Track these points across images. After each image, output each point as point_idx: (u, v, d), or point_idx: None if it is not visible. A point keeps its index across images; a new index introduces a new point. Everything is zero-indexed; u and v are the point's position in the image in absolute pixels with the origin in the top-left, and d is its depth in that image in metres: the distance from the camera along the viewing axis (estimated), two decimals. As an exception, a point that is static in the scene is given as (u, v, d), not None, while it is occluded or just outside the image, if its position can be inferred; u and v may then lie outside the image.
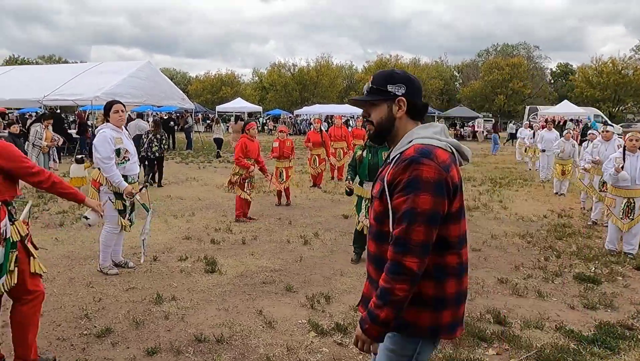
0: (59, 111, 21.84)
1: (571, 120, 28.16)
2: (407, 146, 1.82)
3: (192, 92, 54.92)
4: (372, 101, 1.93)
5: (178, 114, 30.65)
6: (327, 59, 55.74)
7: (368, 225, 5.24)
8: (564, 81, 59.16)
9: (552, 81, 60.98)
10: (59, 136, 11.54)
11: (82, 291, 4.49)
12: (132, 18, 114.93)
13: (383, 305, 1.71)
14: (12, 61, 56.66)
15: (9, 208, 2.92)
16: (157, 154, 10.97)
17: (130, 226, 5.05)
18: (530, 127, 19.32)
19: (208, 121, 40.60)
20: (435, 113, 38.90)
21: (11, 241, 2.87)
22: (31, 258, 3.01)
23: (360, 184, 5.62)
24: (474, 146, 27.02)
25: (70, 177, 9.84)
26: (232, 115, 40.95)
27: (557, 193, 10.69)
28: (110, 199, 4.80)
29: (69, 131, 18.46)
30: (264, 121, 37.93)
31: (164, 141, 11.36)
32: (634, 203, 6.01)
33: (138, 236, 5.47)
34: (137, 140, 12.24)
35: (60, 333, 3.66)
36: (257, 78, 63.44)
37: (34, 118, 16.31)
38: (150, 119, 28.87)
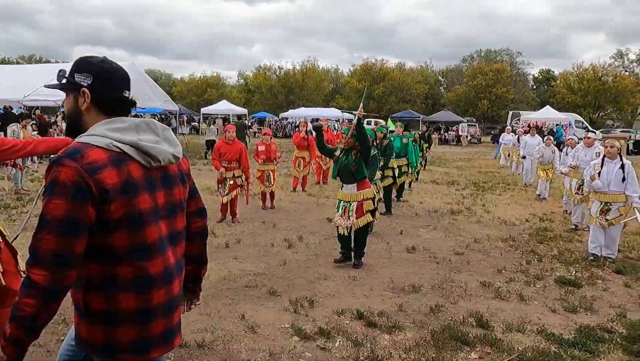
0: (39, 111, 21.44)
1: (557, 125, 28.57)
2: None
3: (176, 94, 54.48)
4: (63, 90, 1.75)
5: (163, 116, 30.40)
6: (313, 62, 55.86)
7: (345, 225, 5.25)
8: (545, 86, 60.14)
9: (535, 87, 61.94)
10: (37, 135, 11.40)
11: (60, 296, 4.39)
12: (116, 19, 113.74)
13: (11, 320, 1.55)
14: (-8, 61, 55.58)
15: None
16: None
17: None
18: (513, 132, 19.59)
19: (193, 123, 40.38)
20: (419, 117, 39.22)
21: None
22: (17, 256, 2.90)
23: (342, 187, 5.65)
24: (458, 150, 27.28)
25: None
26: (217, 117, 40.74)
27: (539, 196, 10.81)
28: None
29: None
30: (249, 124, 37.81)
31: None
32: (611, 206, 6.12)
33: None
34: None
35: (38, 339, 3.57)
36: (242, 80, 63.26)
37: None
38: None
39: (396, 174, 8.93)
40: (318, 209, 8.89)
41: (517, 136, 17.14)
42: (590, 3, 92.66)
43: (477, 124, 40.46)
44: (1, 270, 2.81)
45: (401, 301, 4.50)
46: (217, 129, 19.25)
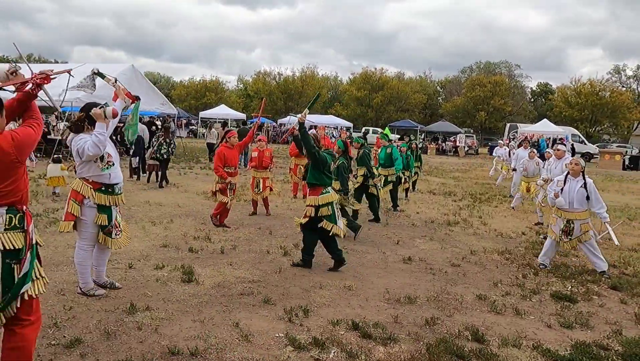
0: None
1: (540, 137, 28.74)
2: None
3: (175, 98, 54.48)
4: None
5: (161, 119, 30.34)
6: (313, 69, 56.05)
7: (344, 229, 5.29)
8: (543, 100, 60.55)
9: (532, 100, 62.33)
10: None
11: (52, 299, 4.34)
12: (117, 20, 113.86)
13: None
14: (-9, 59, 55.42)
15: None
16: (164, 156, 11.80)
17: (111, 242, 4.48)
18: (508, 145, 19.64)
19: (191, 127, 40.33)
20: (417, 127, 39.29)
21: (36, 247, 2.79)
22: (40, 280, 2.85)
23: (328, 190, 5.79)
24: (455, 161, 27.33)
25: (48, 177, 9.71)
26: (215, 121, 40.74)
27: (513, 208, 10.72)
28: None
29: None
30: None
31: (172, 146, 12.21)
32: (573, 225, 6.16)
33: None
34: (138, 143, 12.51)
35: (27, 342, 3.51)
36: (241, 85, 63.36)
37: None
38: (158, 124, 28.55)
39: (380, 184, 9.03)
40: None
41: (509, 150, 17.19)
42: (587, 17, 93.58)
43: (474, 135, 40.58)
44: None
45: (397, 313, 4.47)
46: (218, 133, 19.35)
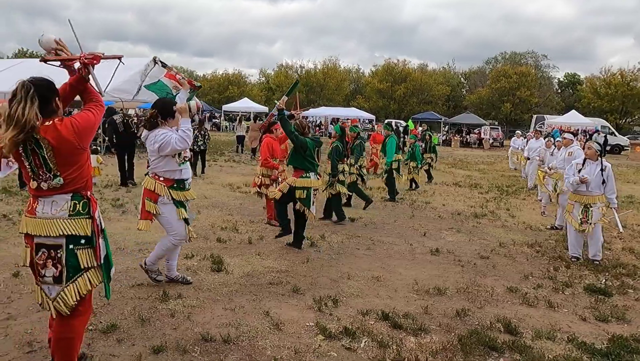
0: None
1: (554, 128, 28.03)
2: None
3: (198, 91, 54.91)
4: None
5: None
6: (335, 62, 55.80)
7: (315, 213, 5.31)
8: (571, 90, 59.00)
9: (559, 91, 60.79)
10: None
11: (87, 286, 4.44)
12: (140, 15, 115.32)
13: None
14: (20, 54, 56.88)
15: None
16: (201, 148, 12.64)
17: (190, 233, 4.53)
18: (552, 136, 19.22)
19: (214, 120, 40.70)
20: (441, 119, 38.80)
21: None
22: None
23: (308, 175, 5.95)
24: (480, 153, 26.91)
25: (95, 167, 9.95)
26: (238, 114, 41.02)
27: (540, 201, 10.46)
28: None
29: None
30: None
31: (207, 137, 13.14)
32: (591, 208, 6.09)
33: None
34: None
35: (66, 327, 3.61)
36: (263, 79, 63.53)
37: None
38: (197, 118, 28.92)
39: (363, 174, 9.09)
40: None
41: (526, 140, 16.87)
42: (616, 6, 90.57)
43: (499, 127, 39.86)
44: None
45: (426, 304, 4.44)
46: (248, 126, 19.73)
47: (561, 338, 3.88)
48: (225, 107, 39.12)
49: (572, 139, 8.34)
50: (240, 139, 20.87)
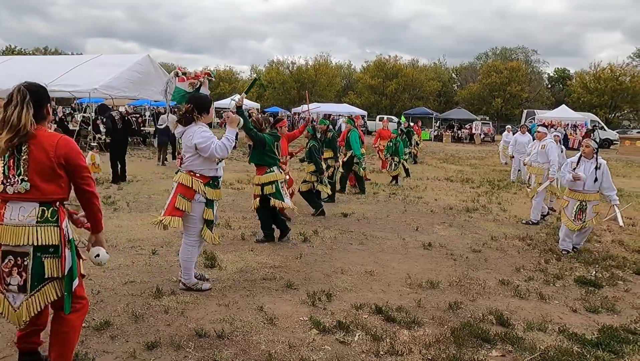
0: (54, 102, 21.66)
1: (531, 121, 28.46)
2: None
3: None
4: None
5: (176, 109, 30.56)
6: (326, 58, 55.68)
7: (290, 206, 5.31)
8: (561, 85, 59.41)
9: (550, 86, 61.19)
10: (52, 125, 11.69)
11: (79, 284, 4.42)
12: (129, 12, 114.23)
13: None
14: (8, 52, 56.18)
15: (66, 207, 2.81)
16: None
17: (211, 236, 4.43)
18: (529, 131, 19.35)
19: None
20: (433, 114, 38.92)
21: (74, 242, 2.78)
22: (80, 260, 2.87)
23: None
24: (471, 148, 27.05)
25: (93, 164, 10.06)
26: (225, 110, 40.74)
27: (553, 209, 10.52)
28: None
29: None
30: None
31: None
32: (586, 205, 6.16)
33: None
34: (164, 132, 13.59)
35: (58, 325, 3.59)
36: (255, 75, 63.24)
37: None
38: (148, 113, 28.79)
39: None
40: (332, 204, 8.86)
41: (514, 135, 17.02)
42: (606, 1, 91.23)
43: (490, 123, 40.06)
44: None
45: (419, 297, 4.46)
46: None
47: (552, 329, 3.93)
48: (217, 103, 38.89)
49: (545, 133, 8.41)
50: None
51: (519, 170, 12.92)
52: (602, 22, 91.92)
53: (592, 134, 24.77)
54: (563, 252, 6.28)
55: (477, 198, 10.38)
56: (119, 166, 10.70)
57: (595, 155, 6.20)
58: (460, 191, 11.35)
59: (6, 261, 2.65)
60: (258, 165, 6.10)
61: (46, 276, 2.68)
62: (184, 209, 4.20)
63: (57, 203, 2.73)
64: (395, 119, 32.15)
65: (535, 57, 57.30)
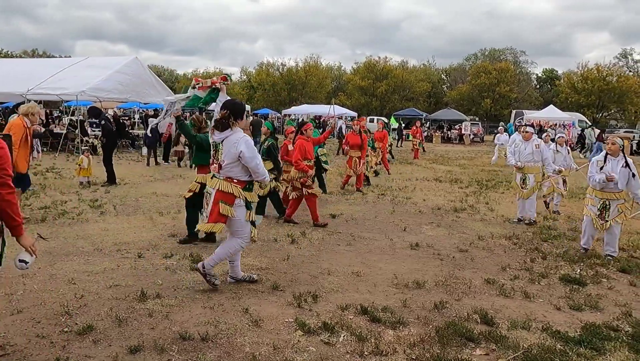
0: (41, 105, 21.45)
1: (509, 122, 29.06)
2: None
3: (179, 90, 54.44)
4: None
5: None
6: (316, 59, 55.75)
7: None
8: (549, 86, 59.98)
9: (538, 86, 61.76)
10: (39, 127, 11.65)
11: (63, 288, 4.39)
12: (118, 13, 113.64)
13: None
14: (-5, 54, 55.54)
15: None
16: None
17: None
18: (507, 131, 19.54)
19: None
20: (422, 115, 39.12)
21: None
22: None
23: None
24: (461, 149, 27.21)
25: (84, 168, 10.15)
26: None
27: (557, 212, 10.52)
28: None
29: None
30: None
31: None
32: (610, 205, 6.07)
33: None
34: (153, 133, 14.06)
35: (40, 330, 3.56)
36: (245, 77, 63.18)
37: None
38: (137, 116, 28.58)
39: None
40: (320, 206, 8.85)
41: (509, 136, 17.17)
42: (594, 2, 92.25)
43: (479, 123, 40.34)
44: None
45: (405, 297, 4.48)
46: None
47: (536, 328, 3.96)
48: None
49: (532, 132, 8.40)
50: None
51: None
52: (590, 22, 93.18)
53: (602, 135, 25.09)
54: (582, 250, 6.27)
55: (465, 198, 10.44)
56: (107, 168, 10.70)
57: (622, 153, 6.03)
58: (448, 191, 11.41)
59: None
60: (201, 165, 5.97)
61: None
62: (228, 215, 4.29)
63: None
64: (385, 120, 32.25)
65: (523, 57, 57.87)
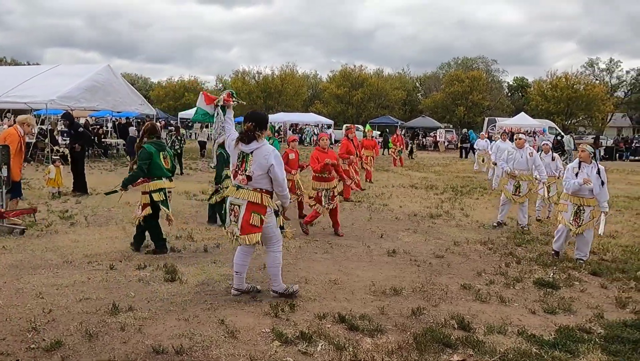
0: (10, 113, 20.86)
1: (470, 129, 30.18)
2: None
3: (154, 98, 53.79)
4: None
5: (139, 120, 29.93)
6: (292, 67, 55.83)
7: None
8: (520, 94, 61.43)
9: (509, 94, 63.18)
10: None
11: (30, 303, 4.22)
12: (89, 20, 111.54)
13: None
14: (-40, 62, 53.88)
15: None
16: (178, 151, 14.49)
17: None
18: (489, 138, 19.94)
19: (170, 127, 39.88)
20: (398, 123, 39.54)
21: None
22: None
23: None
24: (436, 156, 27.59)
25: (50, 178, 9.78)
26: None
27: (539, 219, 10.65)
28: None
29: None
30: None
31: (182, 142, 15.37)
32: (584, 210, 6.23)
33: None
34: (131, 143, 13.58)
35: (5, 347, 3.41)
36: (221, 85, 62.81)
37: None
38: (110, 124, 28.12)
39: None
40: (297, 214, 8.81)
41: (490, 142, 17.46)
42: (561, 12, 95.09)
43: (454, 130, 40.99)
44: None
45: (383, 304, 4.47)
46: (210, 133, 20.16)
47: (512, 332, 3.99)
48: (182, 114, 38.42)
49: (525, 139, 8.58)
50: (202, 145, 22.24)
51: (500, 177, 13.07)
52: (557, 32, 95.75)
53: (598, 141, 25.98)
54: (554, 254, 6.39)
55: (441, 204, 10.55)
56: (80, 178, 10.48)
57: (593, 159, 6.25)
58: (424, 197, 11.51)
59: None
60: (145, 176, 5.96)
61: None
62: (259, 225, 4.32)
63: None
64: (362, 127, 32.47)
65: (495, 66, 59.13)
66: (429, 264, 5.92)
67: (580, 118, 50.78)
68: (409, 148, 24.13)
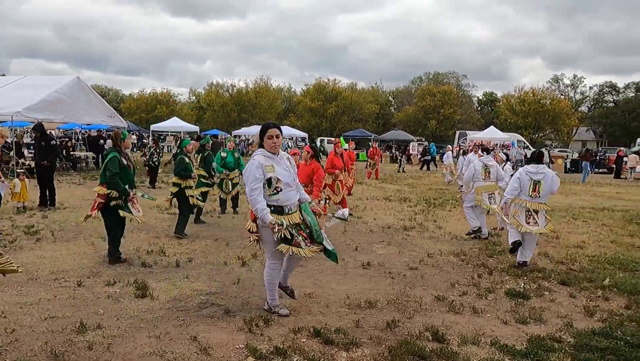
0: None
1: (431, 142, 31.68)
2: None
3: (125, 111, 52.96)
4: None
5: (110, 133, 29.37)
6: (266, 80, 55.95)
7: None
8: (489, 108, 63.08)
9: (479, 108, 64.79)
10: None
11: (-8, 322, 4.05)
12: (58, 31, 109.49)
13: None
14: None
15: None
16: (156, 163, 14.91)
17: (303, 252, 4.35)
18: (464, 153, 20.37)
19: (143, 140, 39.30)
20: (371, 136, 39.94)
21: None
22: None
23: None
24: (409, 168, 27.91)
25: (15, 193, 9.50)
26: (168, 133, 39.88)
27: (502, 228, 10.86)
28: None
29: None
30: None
31: (160, 154, 15.62)
32: (533, 213, 6.57)
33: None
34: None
35: (-36, 370, 3.25)
36: (194, 98, 62.39)
37: None
38: (79, 137, 27.52)
39: (229, 186, 10.16)
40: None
41: (458, 154, 17.95)
42: (528, 29, 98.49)
43: (426, 143, 41.65)
44: None
45: (358, 317, 4.46)
46: (172, 145, 19.96)
47: (485, 342, 4.03)
48: (154, 126, 37.85)
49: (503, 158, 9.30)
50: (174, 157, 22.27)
51: None
52: (523, 48, 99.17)
53: (588, 153, 27.45)
54: (520, 264, 6.54)
55: (415, 216, 10.65)
56: (48, 191, 10.22)
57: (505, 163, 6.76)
58: (398, 210, 11.61)
59: None
60: (103, 182, 6.13)
61: None
62: (254, 230, 4.41)
63: None
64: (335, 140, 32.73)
65: (465, 81, 60.69)
66: (403, 276, 5.95)
67: (547, 132, 52.41)
68: (398, 162, 24.31)
